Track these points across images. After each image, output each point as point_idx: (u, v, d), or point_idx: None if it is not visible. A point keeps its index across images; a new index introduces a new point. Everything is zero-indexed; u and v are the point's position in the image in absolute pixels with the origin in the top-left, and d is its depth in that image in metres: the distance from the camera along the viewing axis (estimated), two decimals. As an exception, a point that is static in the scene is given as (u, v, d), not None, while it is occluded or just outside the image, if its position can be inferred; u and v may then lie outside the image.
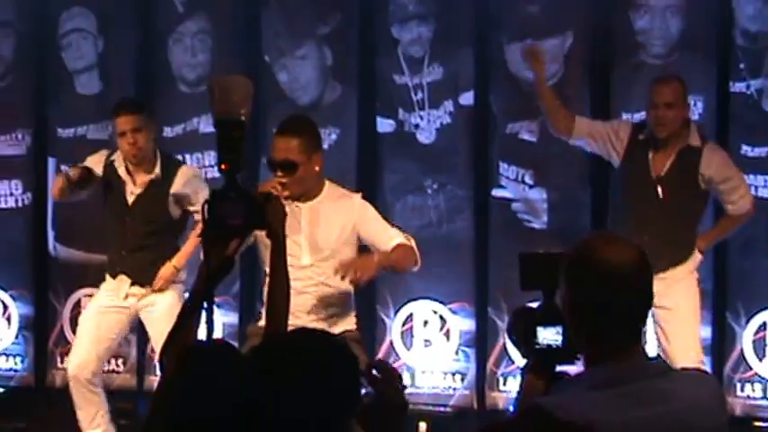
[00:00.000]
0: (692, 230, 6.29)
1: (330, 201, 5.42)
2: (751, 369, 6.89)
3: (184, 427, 2.77)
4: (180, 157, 7.61)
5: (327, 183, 5.47)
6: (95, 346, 6.42)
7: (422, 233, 6.71)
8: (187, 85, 7.71)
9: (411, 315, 7.36)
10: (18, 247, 7.84)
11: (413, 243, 5.49)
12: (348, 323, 5.47)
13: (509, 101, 7.25)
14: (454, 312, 7.29)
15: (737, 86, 6.91)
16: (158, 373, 5.46)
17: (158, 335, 6.31)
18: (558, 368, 3.00)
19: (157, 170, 6.40)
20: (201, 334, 3.48)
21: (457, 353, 7.30)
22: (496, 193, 7.24)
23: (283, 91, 7.49)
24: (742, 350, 6.90)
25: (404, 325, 7.36)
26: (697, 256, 6.31)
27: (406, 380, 7.37)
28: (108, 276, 6.52)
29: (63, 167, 7.67)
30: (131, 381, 7.55)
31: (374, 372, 3.05)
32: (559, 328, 2.97)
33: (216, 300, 4.49)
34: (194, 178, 6.57)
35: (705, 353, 6.93)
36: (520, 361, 3.12)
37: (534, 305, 3.10)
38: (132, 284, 6.43)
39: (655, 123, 6.19)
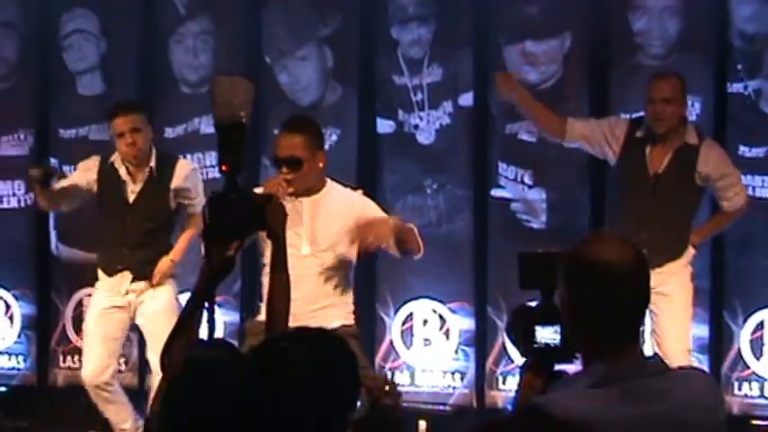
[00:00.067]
0: (688, 226, 6.31)
1: (331, 196, 5.48)
2: (748, 368, 6.90)
3: (184, 427, 2.77)
4: (181, 158, 7.68)
5: (329, 180, 5.54)
6: (106, 349, 6.45)
7: (421, 233, 6.72)
8: (188, 85, 7.73)
9: (411, 314, 7.38)
10: (20, 247, 7.86)
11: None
12: (346, 317, 5.50)
13: (508, 101, 7.28)
14: (454, 312, 7.31)
15: (735, 87, 6.92)
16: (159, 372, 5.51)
17: (153, 330, 6.37)
18: (557, 367, 3.00)
19: (152, 164, 6.44)
20: (203, 334, 3.51)
21: (456, 352, 7.31)
22: (496, 193, 7.25)
23: (284, 92, 7.51)
24: (739, 349, 6.91)
25: (404, 324, 7.39)
26: (691, 251, 6.33)
27: (406, 379, 7.41)
28: (104, 275, 6.52)
29: (64, 168, 7.74)
30: (133, 380, 7.57)
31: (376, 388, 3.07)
32: (557, 327, 2.97)
33: (217, 299, 4.52)
34: (193, 172, 6.67)
35: (703, 352, 6.98)
36: (519, 360, 3.13)
37: (533, 304, 3.10)
38: (133, 280, 6.45)
39: (653, 119, 6.20)
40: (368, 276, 7.20)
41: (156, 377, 6.34)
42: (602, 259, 2.63)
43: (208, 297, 3.41)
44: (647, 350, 5.37)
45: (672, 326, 6.17)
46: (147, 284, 6.45)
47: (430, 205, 7.32)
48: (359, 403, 2.85)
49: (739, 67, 6.91)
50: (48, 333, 7.87)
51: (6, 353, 7.90)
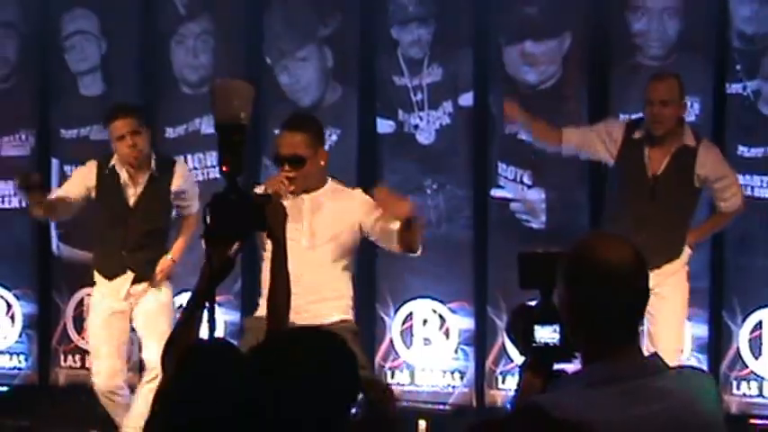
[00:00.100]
0: (686, 227, 6.32)
1: (332, 193, 5.54)
2: (747, 367, 6.92)
3: (184, 427, 2.78)
4: (182, 158, 7.69)
5: (330, 179, 5.58)
6: (116, 353, 6.48)
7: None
8: (189, 86, 7.75)
9: (411, 314, 7.40)
10: (22, 247, 7.88)
11: None
12: (345, 311, 5.53)
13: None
14: (453, 311, 7.33)
15: (734, 88, 6.93)
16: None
17: (148, 330, 6.40)
18: (556, 366, 3.00)
19: (153, 166, 6.44)
20: (204, 333, 3.52)
21: (456, 351, 7.33)
22: (495, 193, 7.27)
23: (284, 92, 7.53)
24: (738, 348, 6.93)
25: (403, 324, 7.41)
26: (688, 251, 6.34)
27: (406, 378, 7.43)
28: (102, 279, 6.50)
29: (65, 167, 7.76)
30: (133, 379, 7.55)
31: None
32: (557, 327, 2.98)
33: (217, 299, 4.55)
34: (189, 174, 6.75)
35: (702, 351, 7.00)
36: (518, 359, 3.12)
37: (532, 304, 3.11)
38: (133, 282, 6.45)
39: (651, 121, 6.20)
40: (368, 276, 7.23)
41: (150, 375, 6.36)
42: (602, 259, 2.63)
43: (208, 297, 3.42)
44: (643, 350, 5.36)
45: (666, 326, 6.18)
46: (147, 286, 6.45)
47: (430, 205, 7.33)
48: (357, 407, 2.85)
49: (738, 67, 6.92)
50: (49, 332, 7.89)
51: (8, 352, 7.92)
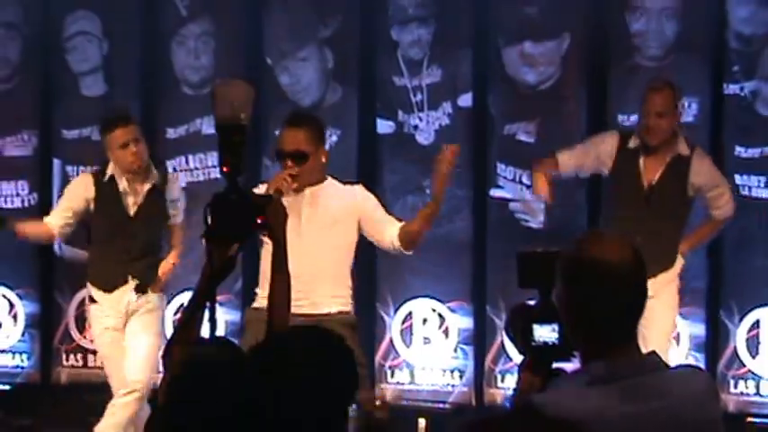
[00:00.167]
0: (679, 235, 6.32)
1: (333, 188, 5.60)
2: (744, 366, 6.94)
3: (184, 427, 2.78)
4: (183, 158, 7.74)
5: (329, 176, 5.63)
6: None
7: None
8: (190, 86, 7.76)
9: (410, 313, 7.42)
10: (24, 247, 7.84)
11: None
12: (344, 303, 5.55)
13: (507, 102, 7.31)
14: (453, 310, 7.35)
15: (731, 88, 6.96)
16: (161, 369, 5.53)
17: (134, 349, 6.32)
18: (555, 365, 3.00)
19: (157, 177, 6.42)
20: (204, 333, 3.54)
21: (455, 350, 7.35)
22: (494, 193, 7.29)
23: (285, 93, 7.55)
24: (735, 348, 6.95)
25: (403, 323, 7.43)
26: (681, 261, 6.33)
27: (406, 377, 7.45)
28: (102, 294, 6.39)
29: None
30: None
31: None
32: (555, 326, 2.97)
33: (218, 298, 4.57)
34: (178, 182, 6.72)
35: (699, 350, 7.02)
36: (517, 358, 3.12)
37: (532, 303, 3.10)
38: (134, 291, 6.39)
39: (647, 131, 6.19)
40: (368, 276, 7.23)
41: (125, 390, 6.27)
42: (602, 259, 2.64)
43: (209, 297, 3.41)
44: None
45: (651, 342, 6.18)
46: (144, 301, 6.38)
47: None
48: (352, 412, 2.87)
49: (736, 68, 6.95)
50: (51, 331, 7.90)
51: (10, 351, 7.93)
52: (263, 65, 7.63)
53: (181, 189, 6.71)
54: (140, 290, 6.39)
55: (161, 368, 3.57)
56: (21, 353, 7.94)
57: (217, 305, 3.48)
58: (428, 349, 7.40)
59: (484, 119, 7.36)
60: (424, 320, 7.40)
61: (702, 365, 6.69)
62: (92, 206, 6.35)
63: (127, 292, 6.37)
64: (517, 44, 7.25)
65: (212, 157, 7.54)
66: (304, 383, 2.72)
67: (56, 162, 7.90)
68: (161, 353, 3.49)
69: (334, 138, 7.38)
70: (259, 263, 5.48)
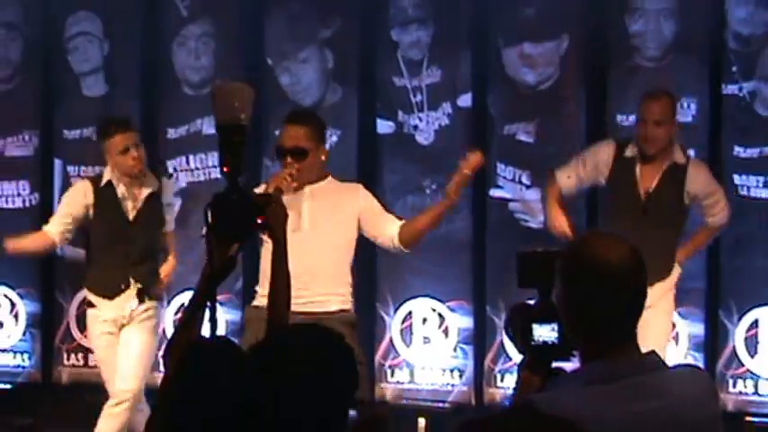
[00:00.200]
0: (675, 244, 6.30)
1: (333, 185, 5.63)
2: (743, 365, 6.95)
3: (184, 426, 2.78)
4: (183, 158, 7.75)
5: (330, 175, 5.66)
6: None
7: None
8: (190, 87, 7.78)
9: (410, 313, 7.43)
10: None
11: None
12: (344, 301, 5.57)
13: (506, 103, 7.32)
14: (452, 310, 7.36)
15: (730, 89, 6.97)
16: (162, 369, 5.55)
17: (127, 359, 6.29)
18: (554, 364, 2.99)
19: (155, 183, 6.42)
20: (205, 332, 3.55)
21: (455, 350, 7.37)
22: (494, 193, 7.30)
23: (285, 93, 7.56)
24: (734, 347, 6.97)
25: (403, 322, 7.44)
26: (677, 270, 6.31)
27: (406, 376, 7.47)
28: (103, 300, 6.34)
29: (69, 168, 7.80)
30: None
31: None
32: (555, 326, 2.96)
33: (219, 297, 4.58)
34: (172, 186, 6.73)
35: (698, 350, 7.03)
36: (517, 357, 3.10)
37: (531, 302, 3.09)
38: (136, 297, 6.35)
39: (644, 140, 6.17)
40: (368, 275, 7.24)
41: (114, 401, 6.26)
42: (601, 258, 2.64)
43: (209, 296, 3.42)
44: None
45: (648, 346, 6.16)
46: (144, 307, 6.35)
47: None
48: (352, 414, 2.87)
49: (734, 68, 6.96)
50: (52, 331, 7.91)
51: (11, 351, 7.95)
52: (264, 65, 7.65)
53: (173, 194, 6.70)
54: (142, 296, 6.36)
55: (162, 368, 3.57)
56: (22, 352, 7.97)
57: (217, 305, 3.49)
58: (428, 349, 7.41)
59: (483, 119, 7.37)
60: (424, 320, 7.42)
61: (701, 365, 6.69)
62: (91, 212, 6.32)
63: (129, 298, 6.33)
64: (516, 45, 7.27)
65: (213, 158, 7.55)
66: (304, 382, 2.72)
67: (57, 162, 7.92)
68: (161, 353, 3.49)
69: (335, 138, 7.39)
70: (259, 262, 5.49)
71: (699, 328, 7.02)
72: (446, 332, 7.39)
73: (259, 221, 3.53)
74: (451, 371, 7.40)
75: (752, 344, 6.96)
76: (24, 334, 7.94)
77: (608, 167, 6.30)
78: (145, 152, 6.36)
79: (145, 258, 6.40)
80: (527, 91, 7.28)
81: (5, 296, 7.99)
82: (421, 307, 7.42)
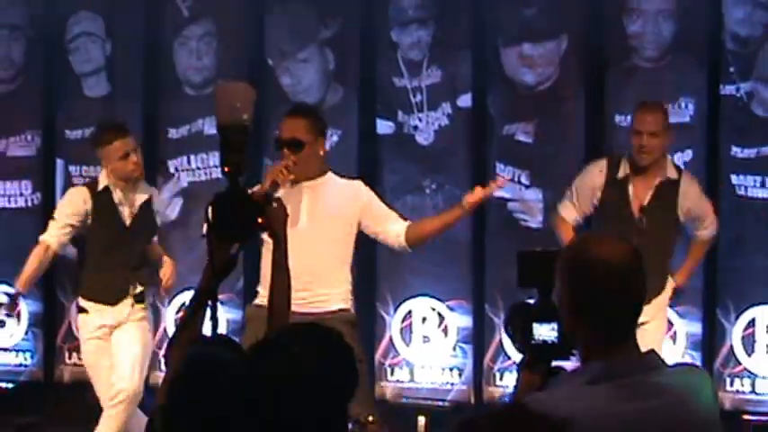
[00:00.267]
0: (669, 259, 6.30)
1: (333, 182, 5.63)
2: (740, 364, 6.98)
3: (185, 426, 2.79)
4: (185, 158, 7.77)
5: (330, 171, 5.67)
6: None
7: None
8: (192, 87, 7.81)
9: (410, 312, 7.46)
10: (27, 246, 7.88)
11: None
12: (344, 300, 5.58)
13: (506, 103, 7.34)
14: (452, 309, 7.38)
15: (728, 89, 6.99)
16: (163, 368, 5.57)
17: (125, 355, 6.29)
18: (554, 363, 3.00)
19: (149, 190, 6.44)
20: (206, 332, 3.56)
21: (454, 349, 7.39)
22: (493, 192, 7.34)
23: (286, 93, 7.57)
24: (732, 346, 6.98)
25: (403, 321, 7.46)
26: (671, 284, 6.33)
27: (406, 375, 7.49)
28: (103, 306, 6.33)
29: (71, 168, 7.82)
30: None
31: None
32: (555, 325, 2.97)
33: (220, 296, 4.60)
34: (160, 195, 6.71)
35: (696, 348, 7.04)
36: (516, 357, 3.09)
37: (531, 302, 3.09)
38: (134, 300, 6.36)
39: (639, 151, 6.17)
40: (368, 275, 7.27)
41: (116, 399, 6.26)
42: (601, 258, 2.65)
43: (210, 296, 3.42)
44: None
45: None
46: (136, 308, 6.36)
47: (429, 205, 7.37)
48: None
49: (732, 69, 6.98)
50: (54, 330, 7.93)
51: (14, 350, 7.98)
52: (265, 65, 7.67)
53: (162, 202, 6.67)
54: (141, 298, 6.38)
55: (163, 367, 3.57)
56: (24, 351, 7.99)
57: (218, 304, 3.50)
58: (427, 348, 7.44)
59: (483, 119, 7.39)
60: (424, 319, 7.44)
61: (699, 364, 6.71)
62: (89, 219, 6.31)
63: (125, 306, 6.32)
64: (516, 45, 7.28)
65: (214, 157, 7.57)
66: (303, 382, 2.72)
67: (59, 162, 7.94)
68: (162, 352, 3.50)
69: (335, 138, 7.40)
70: (260, 262, 5.51)
71: (696, 327, 7.04)
72: (445, 331, 7.41)
73: (260, 221, 3.52)
74: (451, 370, 7.42)
75: (749, 343, 6.98)
76: (26, 333, 7.97)
77: (600, 190, 6.30)
78: (142, 155, 6.36)
79: (142, 263, 6.41)
80: (526, 91, 7.30)
81: (7, 295, 7.98)
82: (420, 306, 7.45)
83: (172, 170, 7.80)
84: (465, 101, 7.41)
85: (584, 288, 2.66)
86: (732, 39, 6.99)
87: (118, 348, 6.31)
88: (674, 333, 7.00)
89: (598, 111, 7.18)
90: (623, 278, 2.65)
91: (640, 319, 2.73)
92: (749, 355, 6.98)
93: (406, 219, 5.80)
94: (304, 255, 4.92)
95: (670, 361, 2.76)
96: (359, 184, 5.76)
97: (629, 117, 6.81)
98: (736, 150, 6.98)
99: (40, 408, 7.69)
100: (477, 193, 5.62)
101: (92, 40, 7.91)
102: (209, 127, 7.54)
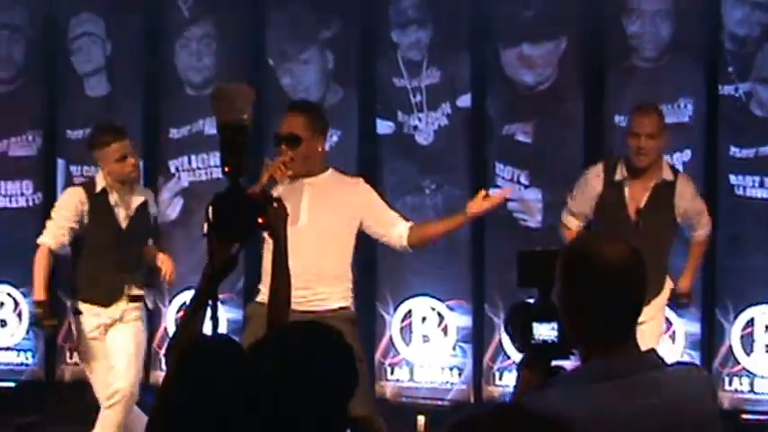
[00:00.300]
0: (666, 260, 6.31)
1: (334, 179, 5.62)
2: (739, 364, 6.99)
3: (184, 426, 2.80)
4: (186, 158, 7.78)
5: (331, 168, 5.66)
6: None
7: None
8: (193, 87, 7.82)
9: (410, 311, 7.47)
10: (28, 246, 7.88)
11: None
12: (344, 298, 5.57)
13: (505, 103, 7.35)
14: (451, 309, 7.40)
15: (726, 89, 7.01)
16: (164, 367, 5.60)
17: (122, 354, 6.29)
18: (554, 363, 3.00)
19: (145, 192, 6.45)
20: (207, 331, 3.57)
21: (454, 348, 7.40)
22: (493, 192, 7.34)
23: (286, 94, 7.56)
24: (730, 345, 7.00)
25: (403, 321, 7.48)
26: (669, 286, 6.34)
27: (405, 374, 7.50)
28: (99, 308, 6.33)
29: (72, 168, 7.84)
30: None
31: None
32: (554, 324, 2.98)
33: (220, 296, 4.61)
34: (154, 199, 6.66)
35: (695, 348, 7.06)
36: (515, 356, 3.09)
37: (531, 301, 3.10)
38: (129, 300, 6.36)
39: (637, 153, 6.19)
40: (368, 274, 7.27)
41: (112, 400, 6.26)
42: (601, 258, 2.66)
43: (211, 295, 3.44)
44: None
45: None
46: (131, 307, 6.37)
47: (428, 205, 7.40)
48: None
49: (730, 69, 6.99)
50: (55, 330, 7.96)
51: (15, 349, 7.99)
52: (265, 66, 7.68)
53: (163, 203, 6.68)
54: (139, 299, 6.38)
55: (164, 366, 3.58)
56: (25, 351, 8.01)
57: (218, 303, 3.51)
58: (427, 347, 7.45)
59: (482, 119, 7.41)
60: (424, 319, 7.45)
61: (698, 363, 6.74)
62: (86, 220, 6.30)
63: (120, 308, 6.32)
64: (515, 46, 7.30)
65: (215, 158, 7.57)
66: (303, 380, 2.73)
67: (60, 162, 7.95)
68: (163, 351, 3.51)
69: (335, 138, 7.41)
70: (260, 261, 5.51)
71: (695, 327, 7.05)
72: (445, 331, 7.42)
73: (260, 221, 3.54)
74: (450, 369, 7.43)
75: (747, 342, 7.00)
76: (27, 332, 7.98)
77: (600, 189, 6.32)
78: (143, 156, 6.38)
79: (139, 266, 6.41)
80: (526, 91, 7.32)
81: (8, 295, 8.02)
82: (420, 306, 7.46)
83: (172, 170, 7.81)
84: (464, 101, 7.42)
85: (585, 288, 2.67)
86: (731, 39, 7.00)
87: (113, 348, 6.31)
88: (673, 333, 7.02)
89: (597, 111, 7.20)
90: (623, 278, 2.66)
91: (639, 319, 2.73)
92: (748, 355, 7.00)
93: (407, 219, 5.81)
94: (305, 253, 4.97)
95: (669, 360, 2.77)
96: (360, 181, 5.77)
97: (628, 117, 6.83)
98: (734, 150, 7.00)
99: (41, 407, 7.70)
100: (481, 204, 5.59)
101: (92, 40, 7.93)
102: (210, 127, 7.54)
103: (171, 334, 6.61)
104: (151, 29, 7.92)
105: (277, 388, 2.72)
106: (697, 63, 7.10)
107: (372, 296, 7.43)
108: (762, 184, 6.99)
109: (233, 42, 7.79)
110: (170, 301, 7.75)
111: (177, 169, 7.82)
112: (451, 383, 7.43)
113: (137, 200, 6.37)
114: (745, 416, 6.95)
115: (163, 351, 7.14)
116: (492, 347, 7.34)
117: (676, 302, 6.50)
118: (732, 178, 6.99)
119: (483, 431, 2.34)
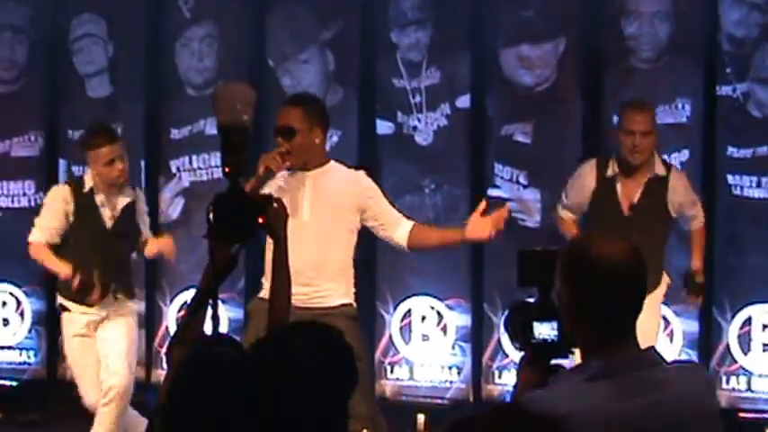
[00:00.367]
0: (662, 254, 6.31)
1: (336, 172, 5.58)
2: (736, 362, 7.01)
3: (185, 426, 2.79)
4: (186, 159, 7.79)
5: (333, 161, 5.63)
6: (98, 371, 6.33)
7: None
8: (194, 88, 7.84)
9: (409, 311, 7.49)
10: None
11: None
12: (346, 295, 5.54)
13: (504, 104, 7.37)
14: (451, 308, 7.41)
15: (724, 90, 7.02)
16: (165, 366, 5.61)
17: (115, 351, 6.28)
18: (554, 361, 3.01)
19: (132, 193, 6.41)
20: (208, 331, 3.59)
21: (453, 347, 7.42)
22: (492, 192, 7.32)
23: (286, 94, 7.51)
24: (728, 344, 7.02)
25: (402, 320, 7.50)
26: (666, 281, 6.35)
27: (405, 373, 7.53)
28: (82, 307, 6.29)
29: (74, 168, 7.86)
30: (140, 373, 7.60)
31: None
32: (554, 324, 2.98)
33: (221, 296, 4.63)
34: (143, 199, 6.65)
35: (692, 347, 7.06)
36: (514, 355, 3.10)
37: (531, 300, 3.10)
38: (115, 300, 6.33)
39: (630, 150, 6.20)
40: (368, 274, 7.26)
41: (107, 397, 6.24)
42: (601, 257, 2.67)
43: (211, 295, 3.43)
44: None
45: None
46: (121, 304, 6.35)
47: (428, 204, 7.42)
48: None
49: (728, 70, 7.01)
50: (57, 329, 7.92)
51: (17, 348, 8.01)
52: (266, 67, 7.70)
53: (145, 205, 6.62)
54: (129, 295, 6.39)
55: (165, 366, 3.58)
56: (27, 350, 8.03)
57: (219, 303, 3.52)
58: (427, 346, 7.47)
59: (481, 120, 7.42)
60: (423, 318, 7.47)
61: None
62: (71, 218, 6.27)
63: (107, 306, 6.29)
64: (514, 47, 7.32)
65: (215, 158, 7.58)
66: (303, 381, 2.73)
67: (62, 162, 7.97)
68: (164, 350, 3.52)
69: (335, 138, 7.41)
70: (261, 261, 5.50)
71: (693, 326, 7.07)
72: (444, 330, 7.44)
73: (260, 221, 3.54)
74: (450, 368, 7.45)
75: (745, 341, 7.02)
76: (30, 331, 8.00)
77: (593, 186, 6.34)
78: (128, 163, 6.31)
79: (125, 265, 6.39)
80: (525, 92, 7.33)
81: (11, 294, 8.04)
82: (420, 305, 7.48)
83: (173, 170, 7.84)
84: (464, 101, 7.44)
85: (585, 287, 2.68)
86: (728, 40, 7.02)
87: (104, 345, 6.30)
88: (671, 331, 7.04)
89: (596, 111, 7.21)
90: (624, 277, 2.68)
91: None
92: (745, 354, 7.02)
93: (409, 217, 5.79)
94: (305, 251, 4.98)
95: (667, 359, 2.78)
96: (361, 173, 5.68)
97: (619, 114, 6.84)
98: (732, 151, 7.02)
99: (44, 405, 7.72)
100: (482, 230, 5.42)
101: (94, 41, 7.95)
102: (211, 127, 7.56)
103: (172, 333, 6.62)
104: (152, 30, 7.94)
105: (277, 389, 2.72)
106: (695, 64, 7.12)
107: (372, 295, 7.43)
108: (759, 184, 7.00)
109: (233, 43, 7.80)
110: (171, 301, 7.78)
111: (178, 169, 7.84)
112: (451, 382, 7.44)
113: (123, 200, 6.34)
114: (742, 414, 6.96)
115: (164, 350, 7.16)
116: (491, 346, 7.35)
117: (691, 288, 6.44)
118: (730, 178, 7.01)
119: (483, 430, 2.35)
